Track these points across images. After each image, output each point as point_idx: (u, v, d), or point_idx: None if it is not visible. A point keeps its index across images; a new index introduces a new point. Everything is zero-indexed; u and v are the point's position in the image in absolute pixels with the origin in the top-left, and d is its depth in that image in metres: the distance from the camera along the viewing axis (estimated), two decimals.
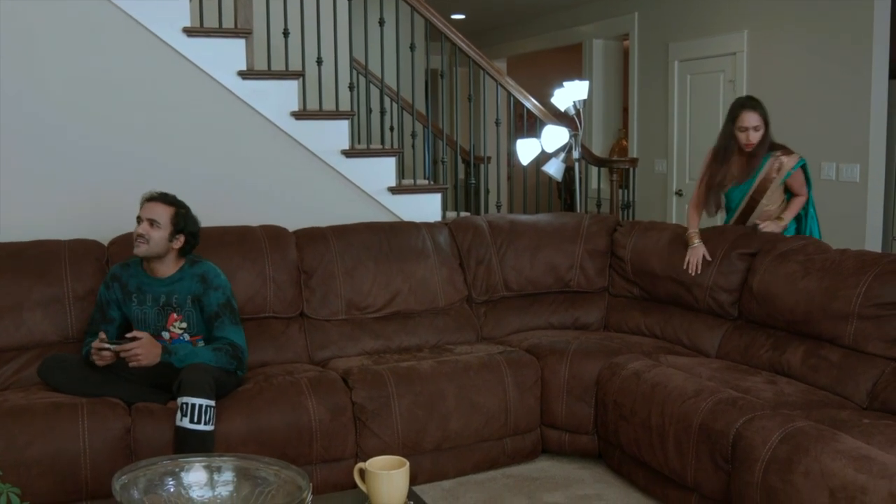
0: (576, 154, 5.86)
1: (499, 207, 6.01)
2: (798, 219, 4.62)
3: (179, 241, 3.70)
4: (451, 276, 4.67)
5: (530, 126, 6.10)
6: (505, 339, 4.57)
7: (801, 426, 3.09)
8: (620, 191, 6.29)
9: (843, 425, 3.16)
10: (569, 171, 6.33)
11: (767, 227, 4.40)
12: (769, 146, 4.46)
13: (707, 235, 4.53)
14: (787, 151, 4.49)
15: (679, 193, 7.78)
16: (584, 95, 5.82)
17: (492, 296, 4.79)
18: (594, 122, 9.09)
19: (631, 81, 8.47)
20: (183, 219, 3.70)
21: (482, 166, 6.18)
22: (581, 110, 5.87)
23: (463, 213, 5.78)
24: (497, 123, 5.78)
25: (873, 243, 6.17)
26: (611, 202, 6.14)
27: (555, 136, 5.71)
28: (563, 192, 10.08)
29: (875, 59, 6.05)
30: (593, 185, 8.19)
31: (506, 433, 4.11)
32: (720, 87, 7.33)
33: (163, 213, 3.66)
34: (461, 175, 7.59)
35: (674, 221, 7.61)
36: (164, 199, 3.72)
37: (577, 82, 5.82)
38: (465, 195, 6.38)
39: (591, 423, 4.14)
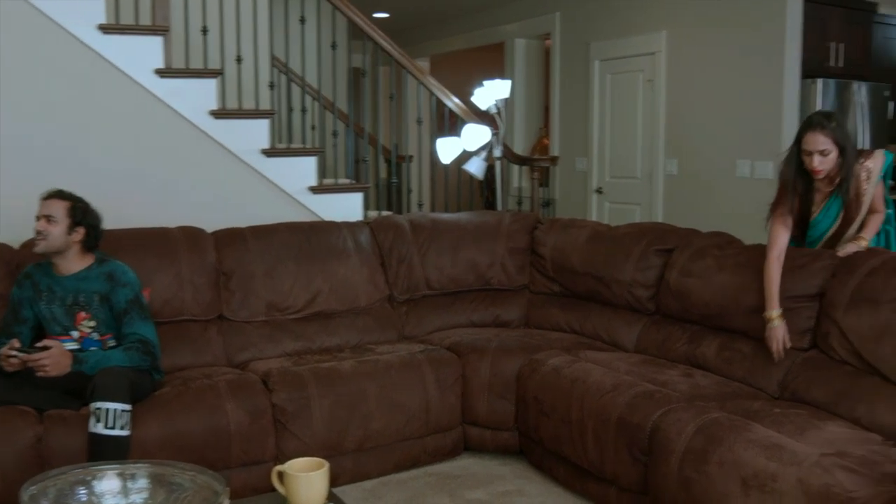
0: (497, 152, 5.90)
1: (420, 206, 6.02)
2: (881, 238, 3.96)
3: (79, 233, 3.63)
4: (372, 275, 4.66)
5: (453, 125, 6.12)
6: (426, 338, 4.57)
7: (716, 417, 3.17)
8: (541, 189, 6.35)
9: (755, 415, 3.24)
10: (490, 169, 6.37)
11: (848, 249, 3.70)
12: (855, 162, 3.71)
13: (624, 231, 4.60)
14: (867, 154, 3.80)
15: (599, 191, 7.88)
16: (506, 94, 5.86)
17: (413, 294, 4.79)
18: (516, 121, 9.16)
19: (552, 80, 8.56)
20: (81, 212, 3.64)
21: (404, 165, 6.18)
22: (502, 109, 5.91)
23: (385, 213, 5.77)
24: (419, 122, 5.79)
25: None
26: (531, 200, 6.20)
27: (476, 135, 5.74)
28: (486, 191, 10.13)
29: (787, 58, 6.22)
30: (515, 183, 8.25)
31: (427, 432, 4.12)
32: (639, 86, 7.45)
33: (59, 208, 3.60)
34: (383, 174, 7.58)
35: (594, 218, 7.72)
36: (60, 194, 3.67)
37: (498, 81, 5.86)
38: (387, 194, 6.37)
39: (511, 420, 4.17)
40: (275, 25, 5.45)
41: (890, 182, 3.96)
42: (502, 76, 8.75)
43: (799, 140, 3.66)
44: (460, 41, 10.15)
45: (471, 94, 6.14)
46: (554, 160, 6.39)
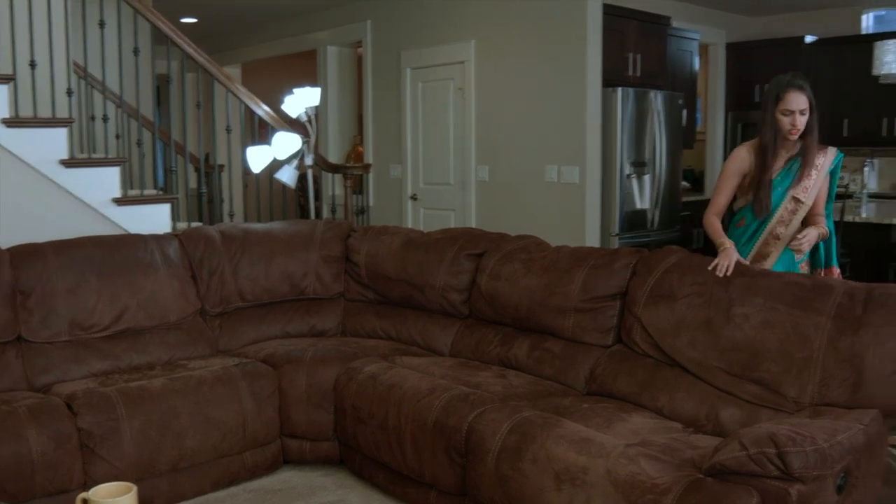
0: (308, 160, 5.86)
1: (232, 216, 5.89)
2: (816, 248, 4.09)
3: None
4: (182, 289, 4.52)
5: (264, 133, 6.02)
6: (241, 351, 4.48)
7: (528, 416, 3.26)
8: (355, 196, 6.35)
9: (565, 411, 3.37)
10: (303, 178, 6.31)
11: (809, 236, 3.87)
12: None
13: (436, 237, 4.67)
14: (822, 148, 3.94)
15: (414, 198, 7.97)
16: (316, 102, 5.83)
17: (226, 307, 4.68)
18: (330, 129, 9.13)
19: (365, 88, 8.59)
20: None
21: (215, 175, 6.03)
22: (313, 117, 5.87)
23: (195, 224, 5.61)
24: (228, 131, 5.66)
25: (592, 240, 6.62)
26: (345, 208, 6.19)
27: (286, 143, 5.67)
28: (302, 199, 10.05)
29: (589, 68, 6.50)
30: (332, 191, 8.21)
31: (245, 447, 4.03)
32: (451, 94, 7.59)
33: None
34: (194, 184, 7.37)
35: (409, 225, 7.81)
36: None
37: (307, 89, 5.82)
38: (198, 205, 6.19)
39: (331, 430, 4.15)
40: (72, 28, 5.19)
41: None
42: (315, 84, 8.70)
43: (777, 99, 3.81)
44: (272, 48, 10.03)
45: (283, 101, 6.07)
46: (367, 168, 6.41)
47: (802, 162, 3.89)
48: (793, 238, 3.90)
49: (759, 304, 3.34)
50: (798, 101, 3.77)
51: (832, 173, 3.97)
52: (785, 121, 3.82)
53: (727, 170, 4.02)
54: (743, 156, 4.00)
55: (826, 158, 3.92)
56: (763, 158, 3.90)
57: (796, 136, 3.83)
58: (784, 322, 3.21)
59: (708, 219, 4.00)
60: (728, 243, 3.75)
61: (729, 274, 3.54)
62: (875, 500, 2.95)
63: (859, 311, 3.09)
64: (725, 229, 4.01)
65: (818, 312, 3.17)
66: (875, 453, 2.87)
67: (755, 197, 3.93)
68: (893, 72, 5.96)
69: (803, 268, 4.05)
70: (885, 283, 3.30)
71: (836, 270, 4.08)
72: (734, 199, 4.11)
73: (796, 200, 3.92)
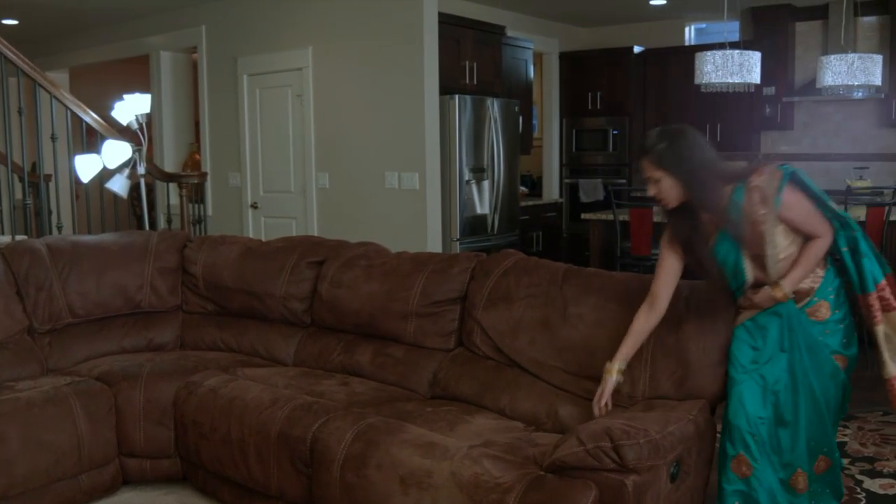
0: (141, 169, 5.67)
1: (60, 229, 5.63)
2: (841, 266, 3.03)
3: None
4: (7, 305, 4.28)
5: (93, 141, 5.78)
6: (74, 370, 4.28)
7: (372, 422, 3.27)
8: (193, 205, 6.20)
9: (409, 416, 3.40)
10: (136, 187, 6.11)
11: (760, 297, 2.98)
12: (713, 185, 2.93)
13: (276, 245, 4.60)
14: (759, 171, 2.93)
15: (255, 206, 7.85)
16: (147, 109, 5.65)
17: (56, 324, 4.46)
18: (165, 136, 8.87)
19: (202, 94, 8.39)
20: None
21: (41, 185, 5.75)
22: (144, 124, 5.69)
23: (20, 237, 5.33)
24: (53, 139, 5.40)
25: (434, 245, 6.70)
26: (181, 218, 6.02)
27: (116, 152, 5.48)
28: (137, 210, 9.71)
29: (426, 76, 6.58)
30: (168, 200, 7.98)
31: (81, 469, 3.85)
32: (289, 101, 7.52)
33: None
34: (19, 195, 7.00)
35: (251, 233, 7.68)
36: None
37: (138, 95, 5.63)
38: (23, 217, 5.88)
39: (172, 447, 4.02)
40: None
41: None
42: (149, 90, 8.42)
43: None
44: (102, 52, 9.64)
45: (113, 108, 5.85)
46: (203, 176, 6.27)
47: (751, 259, 2.98)
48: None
49: (592, 304, 3.47)
50: (642, 169, 3.00)
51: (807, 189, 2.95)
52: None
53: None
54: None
55: (766, 181, 2.89)
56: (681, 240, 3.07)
57: (667, 206, 3.01)
58: (615, 320, 3.34)
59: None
60: (609, 366, 3.12)
61: (602, 406, 3.10)
62: (706, 486, 3.12)
63: (682, 309, 3.25)
64: None
65: None
66: (705, 442, 3.04)
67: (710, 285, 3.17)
68: (713, 81, 6.29)
69: (820, 312, 3.02)
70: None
71: (875, 297, 2.95)
72: None
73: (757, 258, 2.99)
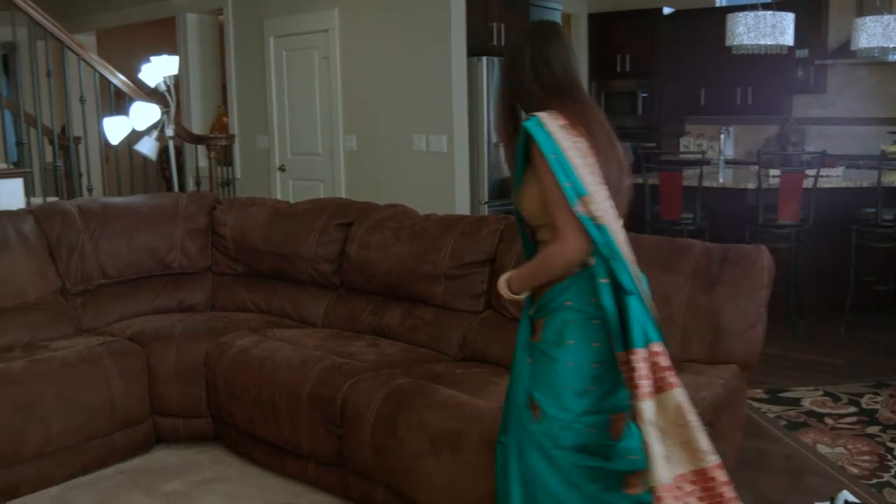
0: (169, 132, 5.68)
1: (90, 191, 5.66)
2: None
3: None
4: (40, 267, 4.32)
5: (122, 104, 5.79)
6: (106, 330, 4.33)
7: (402, 383, 3.29)
8: (221, 168, 6.21)
9: (438, 378, 3.40)
10: (166, 150, 6.13)
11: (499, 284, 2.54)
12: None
13: (304, 207, 4.60)
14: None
15: (282, 168, 7.85)
16: (175, 71, 5.64)
17: (88, 285, 4.50)
18: (192, 99, 8.86)
19: (228, 57, 8.37)
20: None
21: (71, 148, 5.78)
22: (172, 86, 5.69)
23: (51, 199, 5.37)
24: (82, 101, 5.42)
25: (462, 208, 6.69)
26: (210, 180, 6.04)
27: (144, 114, 5.49)
28: (167, 172, 9.76)
29: (453, 37, 6.52)
30: (197, 163, 8.01)
31: (115, 428, 3.92)
32: (315, 63, 7.48)
33: None
34: (49, 157, 7.05)
35: (278, 196, 7.69)
36: None
37: (165, 57, 5.62)
38: (54, 180, 5.92)
39: (204, 406, 4.07)
40: None
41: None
42: (175, 52, 8.41)
43: None
44: (128, 15, 9.62)
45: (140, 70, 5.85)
46: (231, 138, 6.27)
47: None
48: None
49: None
50: None
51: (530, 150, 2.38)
52: None
53: None
54: None
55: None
56: None
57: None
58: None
59: None
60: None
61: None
62: (737, 451, 3.12)
63: (715, 271, 3.22)
64: None
65: (677, 272, 3.29)
66: (735, 406, 3.03)
67: None
68: (745, 43, 6.20)
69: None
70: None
71: (642, 353, 2.26)
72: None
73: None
